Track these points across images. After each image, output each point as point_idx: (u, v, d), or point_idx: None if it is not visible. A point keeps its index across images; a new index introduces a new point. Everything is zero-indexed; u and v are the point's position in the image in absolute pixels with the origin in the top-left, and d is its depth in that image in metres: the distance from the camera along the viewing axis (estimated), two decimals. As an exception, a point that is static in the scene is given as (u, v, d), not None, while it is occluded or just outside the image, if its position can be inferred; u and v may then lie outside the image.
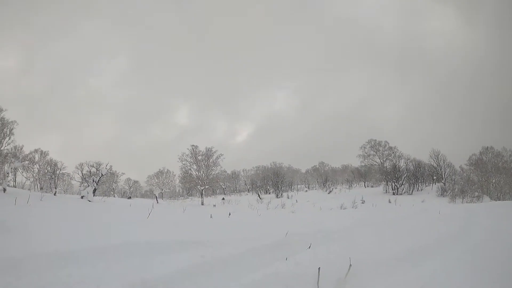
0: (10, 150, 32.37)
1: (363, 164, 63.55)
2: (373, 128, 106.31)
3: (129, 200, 40.94)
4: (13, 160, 34.10)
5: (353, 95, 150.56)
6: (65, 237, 6.87)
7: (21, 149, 47.40)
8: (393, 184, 49.38)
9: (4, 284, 4.18)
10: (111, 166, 39.68)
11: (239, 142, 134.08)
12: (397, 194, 46.17)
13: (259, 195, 54.90)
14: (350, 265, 4.47)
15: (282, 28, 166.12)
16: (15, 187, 47.64)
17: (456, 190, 40.93)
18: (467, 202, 34.86)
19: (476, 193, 39.95)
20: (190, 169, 46.34)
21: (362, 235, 8.17)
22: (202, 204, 40.96)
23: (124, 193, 70.07)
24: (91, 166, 40.76)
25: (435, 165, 55.33)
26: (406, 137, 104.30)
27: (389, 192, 48.67)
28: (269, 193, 62.02)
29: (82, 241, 6.44)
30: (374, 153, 60.98)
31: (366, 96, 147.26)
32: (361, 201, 35.28)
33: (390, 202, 35.55)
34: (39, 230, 7.61)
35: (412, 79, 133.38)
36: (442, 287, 4.29)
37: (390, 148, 60.24)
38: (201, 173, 45.80)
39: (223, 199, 54.53)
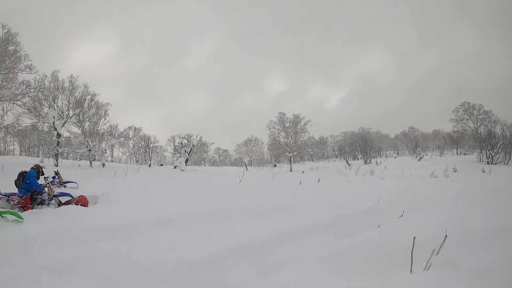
0: (106, 129, 36.50)
1: (455, 129, 59.18)
2: (468, 89, 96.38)
3: (216, 168, 43.73)
4: (109, 138, 36.49)
5: (450, 54, 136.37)
6: (162, 204, 7.52)
7: (116, 127, 49.56)
8: (487, 152, 45.34)
9: (116, 246, 4.72)
10: (201, 137, 42.71)
11: (329, 107, 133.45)
12: (491, 164, 42.80)
13: (347, 161, 54.41)
14: (446, 236, 4.29)
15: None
16: (113, 161, 53.51)
17: (556, 161, 36.58)
18: None
19: None
20: (278, 136, 47.41)
21: (454, 205, 7.57)
22: (291, 170, 41.37)
23: (213, 162, 74.49)
24: (182, 138, 44.66)
25: (534, 132, 48.68)
26: (504, 100, 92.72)
27: (483, 160, 45.15)
28: (357, 159, 61.07)
29: (177, 208, 7.00)
30: (468, 117, 56.45)
31: (467, 54, 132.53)
32: (453, 170, 33.62)
33: (484, 172, 33.12)
34: (138, 199, 8.27)
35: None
36: None
37: (485, 112, 55.18)
38: (289, 140, 46.37)
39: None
